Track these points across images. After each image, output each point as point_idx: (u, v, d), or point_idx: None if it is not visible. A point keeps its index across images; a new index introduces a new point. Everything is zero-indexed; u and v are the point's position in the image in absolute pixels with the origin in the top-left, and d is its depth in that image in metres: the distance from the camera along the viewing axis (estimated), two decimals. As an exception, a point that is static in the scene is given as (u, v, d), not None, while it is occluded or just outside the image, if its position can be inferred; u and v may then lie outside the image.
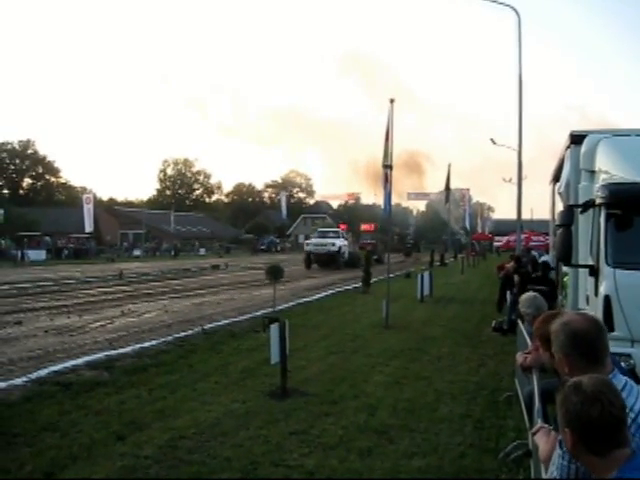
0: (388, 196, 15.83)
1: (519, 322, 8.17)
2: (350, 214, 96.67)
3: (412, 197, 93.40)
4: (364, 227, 66.77)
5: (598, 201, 7.27)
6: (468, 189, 69.49)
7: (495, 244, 69.71)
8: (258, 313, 16.69)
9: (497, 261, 32.46)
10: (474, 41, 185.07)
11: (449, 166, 45.40)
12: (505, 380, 9.36)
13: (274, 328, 8.38)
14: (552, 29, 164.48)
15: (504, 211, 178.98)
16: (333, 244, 41.82)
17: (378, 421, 7.28)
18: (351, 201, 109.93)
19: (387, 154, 15.48)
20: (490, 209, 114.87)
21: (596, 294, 7.30)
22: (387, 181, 15.55)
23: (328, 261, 41.60)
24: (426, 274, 21.80)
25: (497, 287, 17.83)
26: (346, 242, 44.31)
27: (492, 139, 38.43)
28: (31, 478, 5.62)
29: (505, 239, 59.83)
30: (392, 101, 15.63)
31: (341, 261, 41.77)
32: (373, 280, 24.42)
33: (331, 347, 12.05)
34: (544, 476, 3.38)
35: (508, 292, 15.42)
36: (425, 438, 6.70)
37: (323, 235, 44.84)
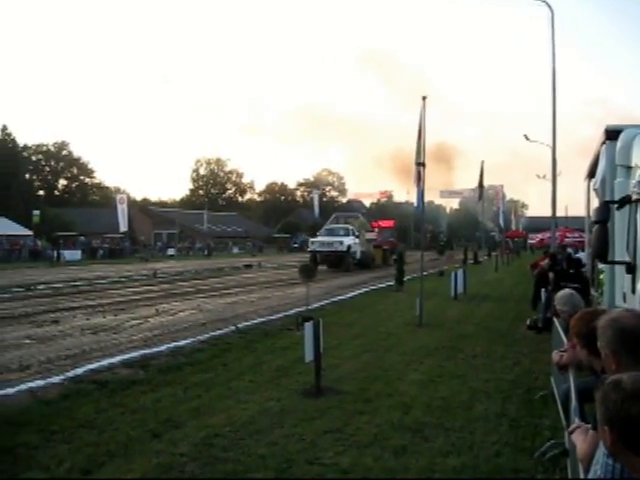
0: (421, 194, 15.76)
1: (554, 320, 8.10)
2: (383, 212, 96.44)
3: (445, 195, 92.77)
4: (382, 224, 60.00)
5: (635, 197, 7.17)
6: (502, 186, 68.92)
7: (529, 241, 69.05)
8: (292, 312, 16.72)
9: (531, 259, 32.15)
10: (498, 36, 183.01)
11: (482, 163, 44.91)
12: (540, 378, 9.29)
13: (308, 326, 8.39)
14: (569, 23, 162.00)
15: (538, 208, 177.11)
16: (341, 242, 37.37)
17: (412, 419, 7.26)
18: (383, 199, 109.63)
19: (419, 152, 15.42)
20: (524, 206, 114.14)
21: (633, 291, 7.20)
22: (420, 179, 15.49)
23: (336, 262, 37.61)
24: (460, 272, 21.70)
25: (531, 285, 17.68)
26: (357, 240, 39.44)
27: (525, 135, 38.14)
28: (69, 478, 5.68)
29: (539, 236, 59.18)
30: (424, 98, 15.56)
31: (351, 262, 37.89)
32: (406, 278, 24.36)
33: (365, 345, 12.04)
34: (582, 476, 3.35)
35: (543, 290, 15.28)
36: (460, 437, 6.67)
37: (330, 233, 40.27)
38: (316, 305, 17.92)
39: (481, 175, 44.32)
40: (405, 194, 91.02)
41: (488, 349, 11.74)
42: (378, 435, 6.69)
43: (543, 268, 15.93)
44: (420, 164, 15.39)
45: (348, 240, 38.17)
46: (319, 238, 39.80)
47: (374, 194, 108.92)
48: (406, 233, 79.32)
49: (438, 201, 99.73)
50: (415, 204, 16.75)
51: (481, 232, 66.75)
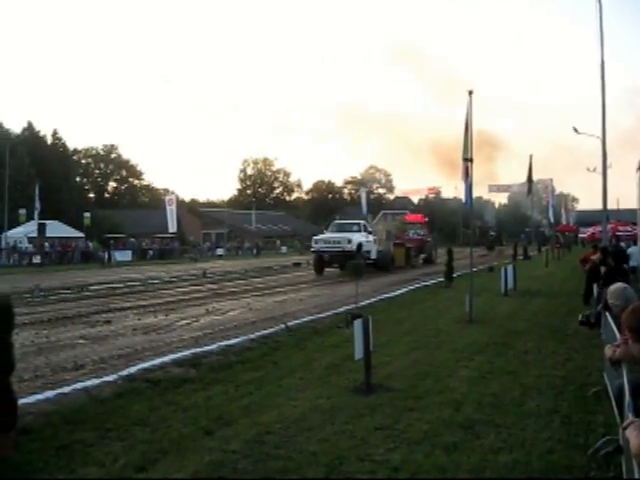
0: (469, 189, 15.66)
1: (606, 314, 8.00)
2: (431, 209, 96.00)
3: (493, 189, 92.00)
4: (409, 218, 52.93)
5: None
6: (551, 180, 68.10)
7: (580, 236, 68.15)
8: (341, 309, 16.76)
9: (582, 253, 31.73)
10: (538, 25, 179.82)
11: (530, 157, 44.60)
12: (593, 374, 9.16)
13: (358, 324, 8.40)
14: (606, 7, 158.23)
15: (588, 202, 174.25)
16: (349, 240, 31.91)
17: (463, 416, 7.23)
18: (432, 195, 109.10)
19: (467, 147, 15.32)
20: (574, 200, 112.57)
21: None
22: (467, 174, 15.40)
23: (344, 263, 31.26)
24: (509, 267, 21.51)
25: (583, 279, 17.45)
26: (371, 237, 34.61)
27: (575, 128, 37.61)
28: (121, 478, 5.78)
29: (590, 230, 58.29)
30: (470, 93, 15.43)
31: (363, 263, 30.11)
32: (455, 274, 24.25)
33: (414, 342, 12.01)
34: (637, 472, 3.31)
35: (595, 284, 15.08)
36: (512, 433, 6.62)
37: (338, 229, 35.31)
38: (365, 303, 17.91)
39: (530, 169, 43.91)
40: (453, 190, 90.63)
41: (539, 345, 11.62)
42: (429, 432, 6.67)
43: (595, 263, 15.72)
44: (468, 159, 15.29)
45: (359, 237, 33.09)
46: (323, 235, 35.04)
47: (422, 190, 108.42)
48: (455, 229, 78.90)
49: (486, 196, 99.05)
50: (463, 200, 16.67)
51: (531, 227, 66.01)
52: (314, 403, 7.83)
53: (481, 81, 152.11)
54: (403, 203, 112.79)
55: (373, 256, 34.16)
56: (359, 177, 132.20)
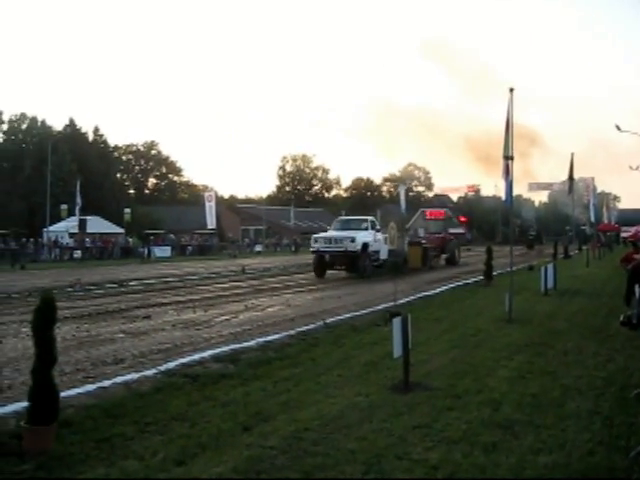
0: (509, 187, 15.53)
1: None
2: (470, 207, 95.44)
3: (533, 188, 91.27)
4: (429, 214, 48.74)
5: None
6: (592, 178, 67.33)
7: (622, 235, 67.16)
8: (379, 307, 16.74)
9: (624, 252, 31.30)
10: (574, 22, 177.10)
11: (572, 155, 43.93)
12: (635, 376, 9.06)
13: (397, 322, 8.38)
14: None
15: (631, 201, 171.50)
16: (352, 239, 28.34)
17: (502, 416, 7.17)
18: (471, 193, 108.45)
19: (507, 145, 15.19)
20: (616, 199, 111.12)
21: None
22: (508, 172, 15.28)
23: (347, 264, 29.31)
24: (550, 266, 21.30)
25: (624, 279, 17.20)
26: (380, 236, 30.22)
27: (617, 126, 37.15)
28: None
29: (633, 229, 57.35)
30: (512, 90, 15.29)
31: (368, 264, 29.10)
32: (495, 273, 24.08)
33: (453, 341, 11.94)
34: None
35: (637, 285, 14.83)
36: (551, 434, 6.55)
37: (341, 226, 31.85)
38: (403, 300, 17.86)
39: (571, 167, 43.35)
40: (493, 188, 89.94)
41: (580, 345, 11.48)
42: (467, 431, 6.63)
43: (637, 262, 15.47)
44: (509, 157, 15.17)
45: (364, 236, 29.49)
46: (324, 234, 31.70)
47: (461, 188, 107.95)
48: (494, 227, 78.39)
49: (526, 195, 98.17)
50: (503, 198, 16.55)
51: (571, 226, 65.22)
52: (352, 400, 7.83)
53: (516, 76, 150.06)
54: (442, 201, 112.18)
55: (384, 256, 29.94)
56: (398, 174, 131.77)
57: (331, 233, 30.89)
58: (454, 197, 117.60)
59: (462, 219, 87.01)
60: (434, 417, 7.12)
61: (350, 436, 6.50)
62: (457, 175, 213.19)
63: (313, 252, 30.16)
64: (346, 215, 38.63)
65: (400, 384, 8.40)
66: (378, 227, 31.21)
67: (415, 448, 6.16)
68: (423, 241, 36.63)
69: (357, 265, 28.77)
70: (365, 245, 28.92)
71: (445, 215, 48.00)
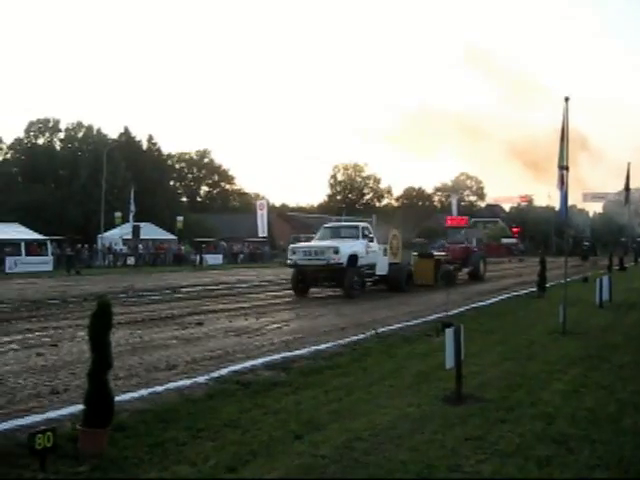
0: (564, 198, 15.33)
1: None
2: (523, 217, 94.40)
3: (588, 198, 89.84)
4: (450, 221, 41.93)
5: None
6: (650, 189, 65.97)
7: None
8: (430, 318, 16.64)
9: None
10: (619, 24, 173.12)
11: (628, 165, 43.33)
12: (695, 392, 8.84)
13: (449, 332, 8.31)
14: None
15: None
16: (336, 250, 23.48)
17: (557, 430, 7.05)
18: (524, 203, 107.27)
19: (563, 154, 15.00)
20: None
21: None
22: (563, 182, 15.08)
23: (331, 281, 24.52)
24: (605, 278, 20.92)
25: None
26: (376, 246, 25.85)
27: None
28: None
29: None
30: (567, 99, 15.12)
31: (357, 281, 24.12)
32: (548, 284, 23.78)
33: (506, 353, 11.80)
34: None
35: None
36: (608, 450, 6.41)
37: (329, 234, 26.60)
38: (455, 311, 17.70)
39: (627, 178, 42.68)
40: (546, 198, 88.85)
41: (636, 360, 11.23)
42: (521, 445, 6.54)
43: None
44: (564, 167, 14.98)
45: (351, 246, 24.44)
46: (303, 244, 27.55)
47: (514, 198, 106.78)
48: (547, 238, 77.35)
49: (580, 205, 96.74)
50: (557, 208, 16.35)
51: (627, 237, 64.06)
52: (404, 411, 7.79)
53: (565, 83, 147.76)
54: (494, 211, 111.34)
55: (381, 271, 26.01)
56: (450, 184, 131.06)
57: (310, 244, 26.25)
58: (506, 207, 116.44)
59: (515, 230, 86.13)
60: (487, 429, 7.04)
61: (401, 447, 6.46)
62: (510, 185, 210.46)
63: (289, 265, 25.46)
64: (341, 218, 33.10)
65: (452, 395, 8.33)
66: (371, 235, 26.05)
67: (467, 460, 6.10)
68: (436, 253, 32.82)
69: (337, 281, 24.13)
70: (353, 257, 24.02)
71: (467, 223, 41.75)
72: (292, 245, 26.72)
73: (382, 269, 26.00)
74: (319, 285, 25.21)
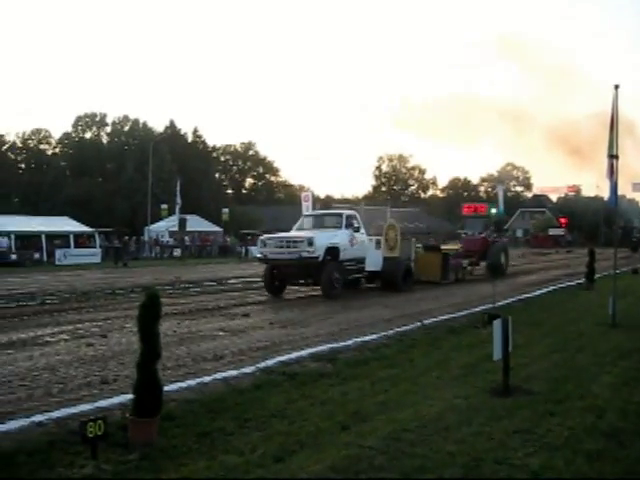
0: (614, 187, 15.08)
1: None
2: (571, 207, 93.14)
3: (638, 188, 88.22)
4: (466, 209, 36.25)
5: None
6: (703, 178, 64.48)
7: None
8: (477, 309, 16.52)
9: None
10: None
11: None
12: None
13: (497, 324, 8.24)
14: None
15: None
16: (310, 241, 20.10)
17: (606, 423, 6.95)
18: (571, 193, 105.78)
19: (612, 143, 14.75)
20: None
21: None
22: (612, 172, 14.83)
23: (304, 276, 21.27)
24: (656, 270, 20.59)
25: None
26: (365, 237, 22.68)
27: None
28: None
29: None
30: (617, 87, 14.85)
31: (337, 279, 20.59)
32: (597, 276, 23.44)
33: (554, 345, 11.68)
34: None
35: None
36: (659, 444, 6.33)
37: (308, 224, 23.32)
38: (502, 303, 17.53)
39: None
40: (595, 188, 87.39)
41: (689, 353, 11.05)
42: (570, 438, 6.47)
43: None
44: (613, 156, 14.73)
45: (331, 237, 21.13)
46: (274, 235, 23.09)
47: (561, 188, 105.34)
48: (595, 229, 76.22)
49: (630, 195, 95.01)
50: (606, 198, 16.09)
51: (679, 228, 62.77)
52: (451, 403, 7.76)
53: (608, 70, 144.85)
54: (541, 201, 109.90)
55: (373, 267, 22.92)
56: (496, 174, 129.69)
57: (283, 234, 23.14)
58: (553, 197, 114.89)
59: (562, 220, 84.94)
60: (535, 422, 6.98)
61: (449, 438, 6.44)
62: (557, 175, 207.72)
63: (260, 260, 22.32)
64: (317, 211, 28.15)
65: (499, 387, 8.26)
66: (357, 225, 22.40)
67: (515, 453, 6.06)
68: (465, 246, 30.76)
69: (311, 277, 21.01)
70: (332, 250, 20.73)
71: (487, 212, 35.11)
72: (262, 237, 23.26)
73: (374, 264, 22.92)
74: (295, 283, 22.08)
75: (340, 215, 22.88)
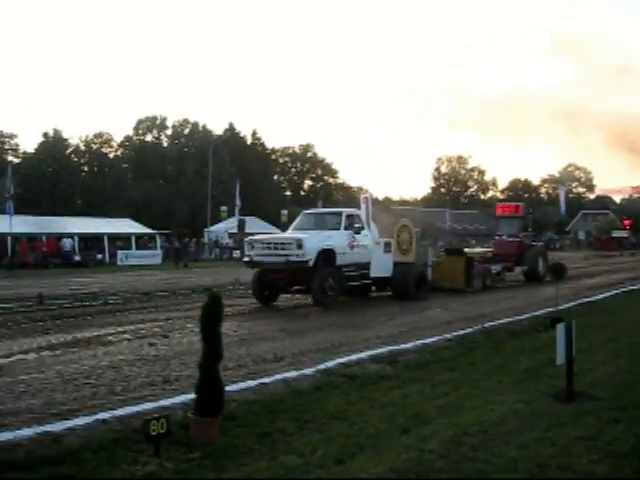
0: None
1: None
2: (635, 209, 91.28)
3: None
4: (500, 209, 33.43)
5: None
6: None
7: None
8: (539, 312, 16.26)
9: None
10: None
11: None
12: None
13: (560, 328, 8.10)
14: None
15: None
16: (299, 244, 17.82)
17: (675, 431, 6.79)
18: (636, 195, 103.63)
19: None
20: None
21: None
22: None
23: (294, 283, 18.86)
24: None
25: None
26: (369, 240, 20.15)
27: None
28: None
29: None
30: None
31: (331, 286, 18.05)
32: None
33: (619, 350, 11.43)
34: None
35: None
36: None
37: (311, 222, 20.55)
38: (564, 306, 17.23)
39: None
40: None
41: None
42: (637, 446, 6.30)
43: None
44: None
45: (325, 239, 18.71)
46: (262, 236, 21.80)
47: (625, 189, 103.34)
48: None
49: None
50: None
51: None
52: (512, 407, 7.66)
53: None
54: (604, 203, 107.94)
55: (381, 272, 20.47)
56: (557, 175, 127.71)
57: (272, 235, 22.35)
58: (617, 199, 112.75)
59: (626, 222, 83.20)
60: (600, 429, 6.84)
61: (511, 444, 6.35)
62: (620, 176, 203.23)
63: (246, 264, 19.74)
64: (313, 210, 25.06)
65: (562, 393, 8.13)
66: (358, 225, 19.82)
67: (579, 460, 5.94)
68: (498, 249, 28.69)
69: (300, 284, 18.80)
70: (326, 253, 18.44)
71: (522, 211, 32.47)
72: (248, 238, 20.87)
73: (383, 270, 20.49)
74: (287, 290, 19.49)
75: (339, 214, 20.31)
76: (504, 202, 40.83)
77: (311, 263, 17.77)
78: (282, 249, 18.30)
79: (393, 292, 21.04)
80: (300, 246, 17.75)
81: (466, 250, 26.82)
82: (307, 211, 22.55)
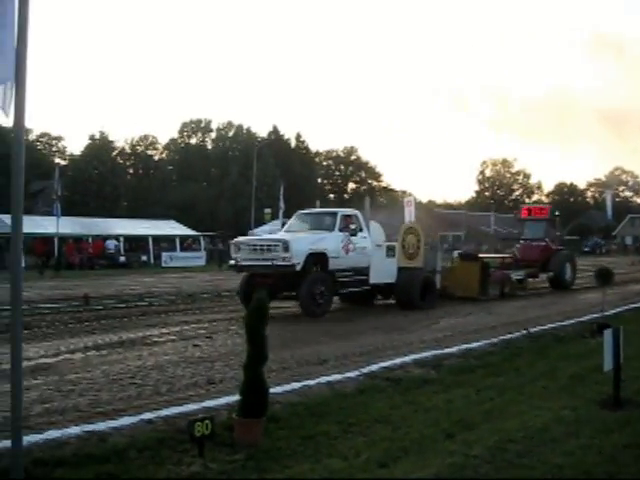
0: None
1: None
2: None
3: None
4: (525, 211, 31.78)
5: None
6: None
7: None
8: (584, 318, 16.06)
9: None
10: None
11: None
12: None
13: (607, 334, 8.00)
14: None
15: None
16: (286, 246, 16.40)
17: None
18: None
19: None
20: None
21: None
22: None
23: (282, 289, 17.06)
24: None
25: None
26: (368, 242, 18.39)
27: None
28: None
29: None
30: None
31: (322, 292, 16.68)
32: None
33: (668, 357, 11.24)
34: None
35: None
36: None
37: (307, 223, 19.24)
38: (611, 312, 16.97)
39: None
40: None
41: None
42: (686, 456, 6.22)
43: None
44: None
45: (315, 241, 17.41)
46: (248, 237, 21.37)
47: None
48: None
49: None
50: None
51: None
52: (558, 414, 7.58)
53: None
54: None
55: (382, 279, 18.92)
56: (603, 179, 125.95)
57: (256, 238, 20.86)
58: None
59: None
60: (648, 437, 6.74)
61: (556, 450, 6.29)
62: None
63: (232, 268, 18.45)
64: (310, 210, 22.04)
65: (609, 400, 8.01)
66: (354, 227, 18.16)
67: (627, 468, 5.86)
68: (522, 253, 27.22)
69: (288, 289, 17.07)
70: (318, 257, 17.08)
71: (549, 214, 30.60)
72: (234, 240, 19.05)
73: (383, 275, 18.90)
74: (276, 296, 16.76)
75: (334, 215, 18.67)
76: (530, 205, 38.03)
77: (299, 267, 16.45)
78: (268, 252, 16.89)
79: (396, 300, 19.47)
80: (287, 249, 16.42)
81: (482, 255, 25.63)
82: (302, 211, 20.90)
